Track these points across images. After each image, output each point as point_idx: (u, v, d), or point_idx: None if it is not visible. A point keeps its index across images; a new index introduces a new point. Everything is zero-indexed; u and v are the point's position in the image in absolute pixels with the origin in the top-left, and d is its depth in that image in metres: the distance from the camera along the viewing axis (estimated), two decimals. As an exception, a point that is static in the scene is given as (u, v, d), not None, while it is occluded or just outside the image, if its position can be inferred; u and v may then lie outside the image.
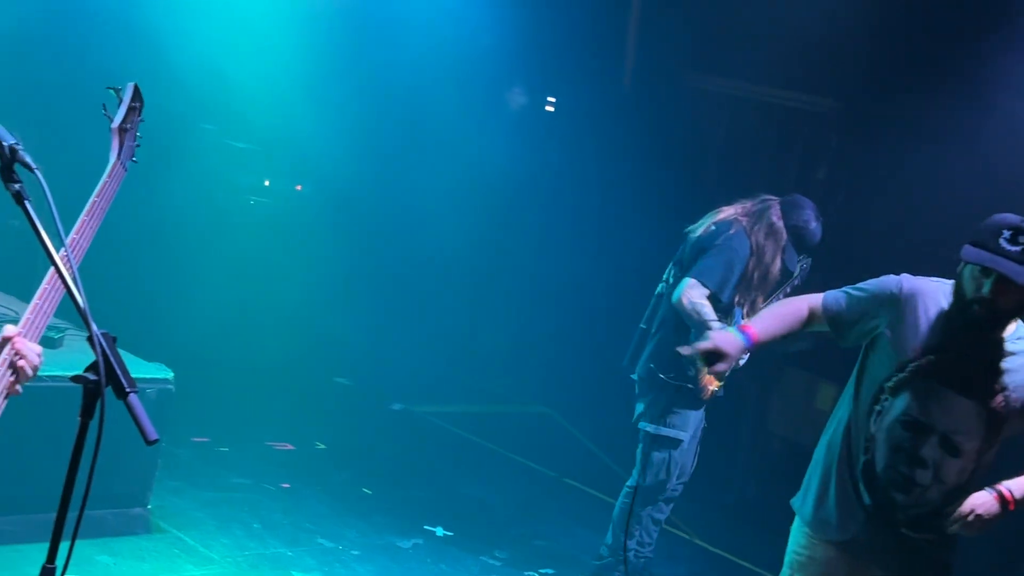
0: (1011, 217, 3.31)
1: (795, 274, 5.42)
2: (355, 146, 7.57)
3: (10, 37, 6.19)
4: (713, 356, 3.58)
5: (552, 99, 9.13)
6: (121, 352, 5.24)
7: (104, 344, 2.34)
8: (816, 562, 3.61)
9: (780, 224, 5.30)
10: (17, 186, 2.38)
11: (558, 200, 8.62)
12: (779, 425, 7.92)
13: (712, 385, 5.26)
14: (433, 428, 7.86)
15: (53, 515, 5.12)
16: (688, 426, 5.29)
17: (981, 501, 3.39)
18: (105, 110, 2.93)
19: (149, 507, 5.20)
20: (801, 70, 7.59)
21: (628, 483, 5.44)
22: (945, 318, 3.42)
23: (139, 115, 2.97)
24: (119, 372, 2.34)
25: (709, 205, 8.32)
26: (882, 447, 3.47)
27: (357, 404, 7.73)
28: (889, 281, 3.55)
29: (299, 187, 7.58)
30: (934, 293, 3.47)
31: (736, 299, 5.21)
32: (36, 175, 2.37)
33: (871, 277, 3.67)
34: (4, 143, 2.38)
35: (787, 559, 3.71)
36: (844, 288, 3.60)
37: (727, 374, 4.96)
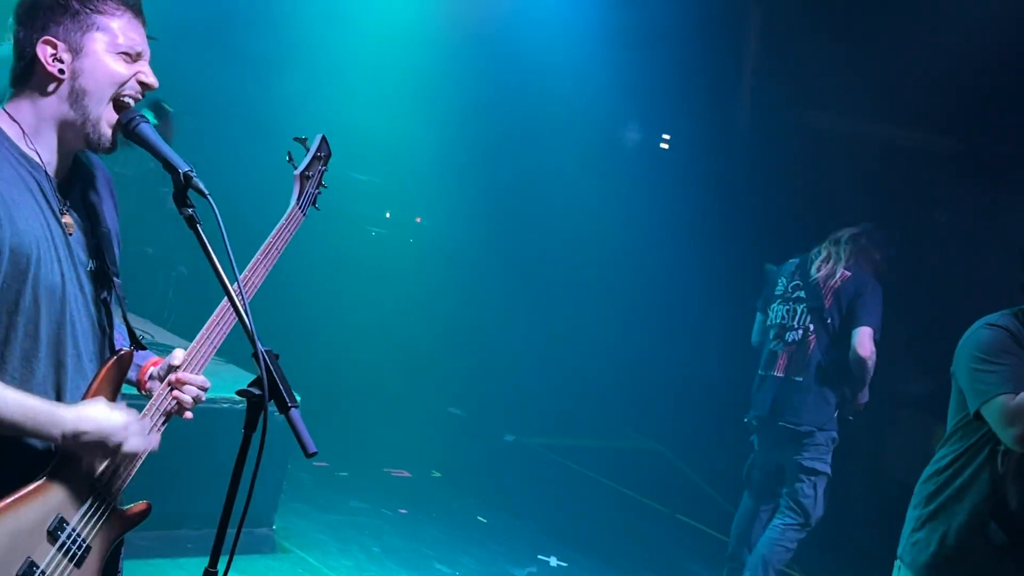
0: None
1: None
2: (473, 179, 7.71)
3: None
4: None
5: (667, 136, 9.17)
6: (249, 376, 5.45)
7: (268, 361, 2.45)
8: None
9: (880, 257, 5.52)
10: (190, 211, 2.49)
11: (676, 238, 8.63)
12: (895, 469, 7.82)
13: None
14: (545, 460, 7.91)
15: (184, 531, 5.30)
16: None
17: None
18: (290, 158, 3.05)
19: (274, 528, 5.36)
20: (921, 109, 7.53)
21: (783, 521, 5.46)
22: None
23: (324, 164, 3.08)
24: (282, 388, 2.45)
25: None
26: (1014, 481, 3.45)
27: (470, 434, 7.82)
28: (1002, 338, 3.46)
29: (419, 219, 7.73)
30: (1004, 319, 3.47)
31: None
32: (209, 201, 2.49)
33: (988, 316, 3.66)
34: (180, 169, 2.50)
35: None
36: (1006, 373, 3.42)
37: None
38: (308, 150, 3.08)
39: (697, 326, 8.25)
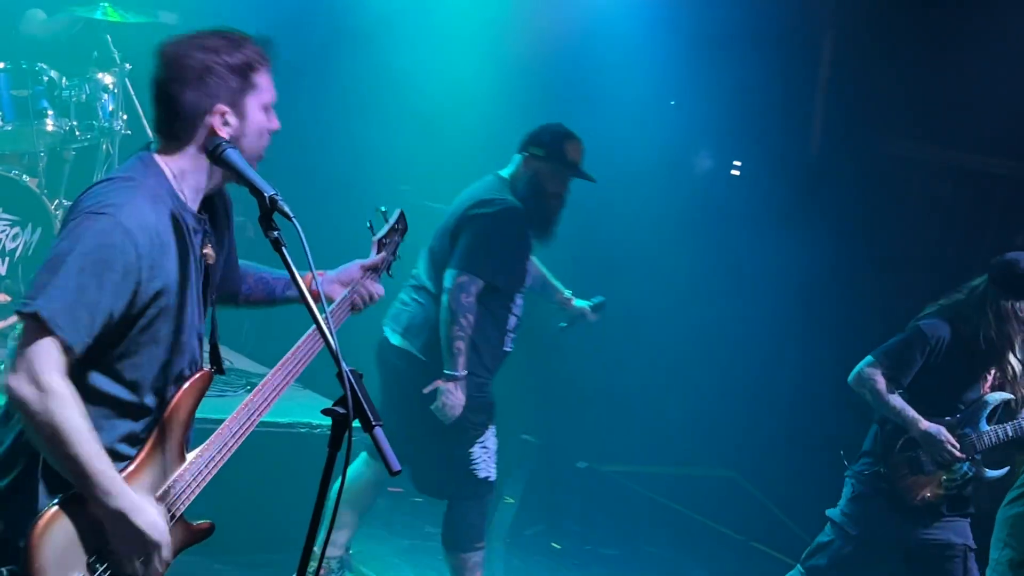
0: None
1: None
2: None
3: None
4: None
5: (738, 163, 9.14)
6: (315, 396, 5.48)
7: (352, 380, 2.50)
8: None
9: (992, 295, 4.77)
10: (276, 233, 2.57)
11: (749, 266, 8.57)
12: (984, 499, 7.68)
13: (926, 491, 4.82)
14: (618, 487, 7.88)
15: (260, 556, 5.35)
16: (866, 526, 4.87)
17: None
18: (371, 226, 3.36)
19: (351, 552, 5.40)
20: (996, 134, 7.45)
21: None
22: None
23: (400, 236, 3.43)
24: (366, 406, 2.50)
25: (893, 273, 8.27)
26: None
27: (543, 461, 7.83)
28: None
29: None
30: None
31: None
32: (293, 224, 2.56)
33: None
34: (265, 193, 2.57)
35: None
36: None
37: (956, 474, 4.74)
38: (387, 221, 3.27)
39: (771, 354, 8.19)
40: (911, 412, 4.64)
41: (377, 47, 7.39)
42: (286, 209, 2.58)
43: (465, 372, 4.76)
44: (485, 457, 4.95)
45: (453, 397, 4.71)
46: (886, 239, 8.29)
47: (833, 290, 7.76)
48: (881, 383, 4.66)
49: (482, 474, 4.93)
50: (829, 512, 4.90)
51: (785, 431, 7.50)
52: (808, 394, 7.53)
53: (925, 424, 4.62)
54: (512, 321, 5.03)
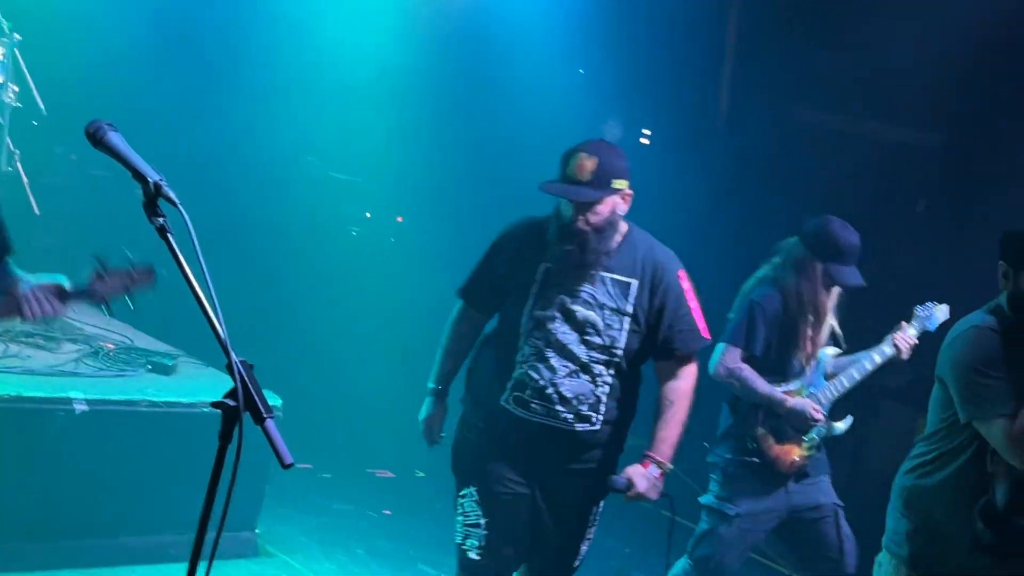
0: None
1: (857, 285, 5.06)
2: (454, 176, 7.69)
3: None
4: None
5: (647, 132, 9.16)
6: (221, 375, 5.35)
7: (243, 371, 2.44)
8: None
9: (804, 257, 4.97)
10: (161, 220, 2.49)
11: (658, 237, 8.59)
12: (877, 460, 7.84)
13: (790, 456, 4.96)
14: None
15: (166, 536, 5.29)
16: (744, 503, 4.94)
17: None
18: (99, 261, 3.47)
19: (258, 531, 5.34)
20: (904, 103, 7.54)
21: None
22: (1016, 337, 3.46)
23: (136, 285, 3.59)
24: (257, 399, 2.44)
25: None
26: (1002, 482, 3.46)
27: (454, 433, 7.80)
28: (994, 349, 3.48)
29: (400, 219, 7.71)
30: (989, 320, 3.52)
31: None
32: (179, 210, 2.48)
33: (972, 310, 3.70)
34: (150, 179, 2.49)
35: None
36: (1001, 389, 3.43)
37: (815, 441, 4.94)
38: (130, 265, 3.53)
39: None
40: (778, 394, 4.78)
41: (284, 19, 7.27)
42: (172, 195, 2.50)
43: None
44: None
45: None
46: (796, 208, 8.35)
47: (743, 259, 7.81)
48: (746, 370, 4.76)
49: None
50: (703, 499, 4.97)
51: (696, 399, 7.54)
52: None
53: (791, 402, 4.76)
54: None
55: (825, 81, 7.99)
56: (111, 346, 5.59)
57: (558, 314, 3.90)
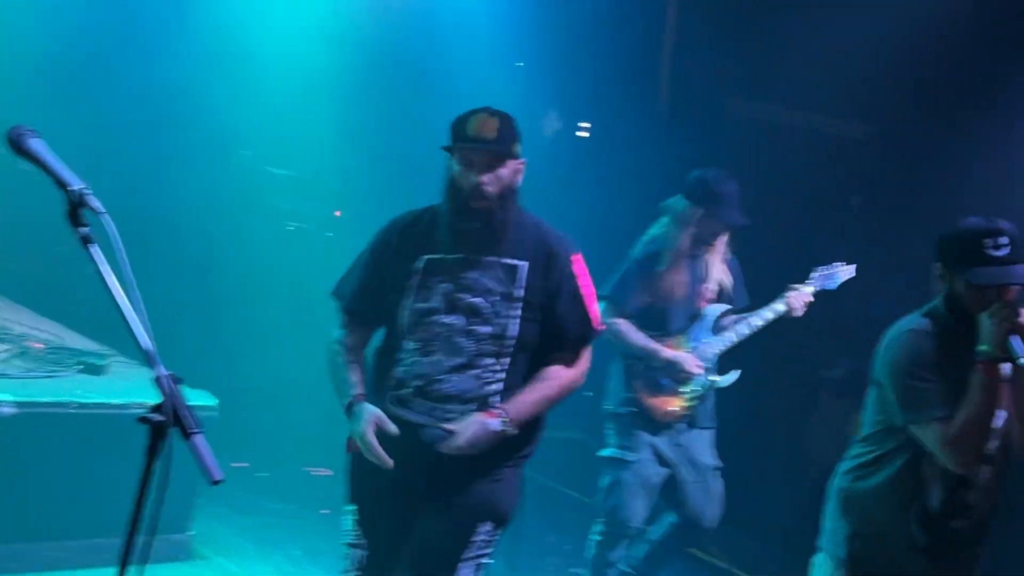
0: (977, 222, 3.45)
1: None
2: (393, 171, 7.62)
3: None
4: None
5: (586, 125, 9.15)
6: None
7: (169, 385, 2.38)
8: None
9: (686, 207, 5.20)
10: (84, 229, 2.43)
11: (590, 228, 8.60)
12: (814, 451, 7.91)
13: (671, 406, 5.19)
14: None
15: (97, 540, 5.21)
16: (640, 449, 5.17)
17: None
18: None
19: (191, 533, 5.27)
20: (840, 96, 7.57)
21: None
22: (952, 340, 3.45)
23: None
24: (184, 413, 2.39)
25: (747, 232, 8.41)
26: (937, 485, 3.49)
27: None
28: (925, 350, 3.48)
29: (338, 213, 7.63)
30: (925, 323, 3.52)
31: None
32: (103, 219, 2.42)
33: (909, 307, 3.69)
34: (73, 187, 2.43)
35: None
36: (936, 393, 3.44)
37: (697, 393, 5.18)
38: None
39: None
40: (652, 344, 5.09)
41: (218, 11, 7.16)
42: (96, 204, 2.44)
43: None
44: None
45: None
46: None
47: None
48: (621, 323, 5.09)
49: None
50: (603, 453, 5.24)
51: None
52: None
53: (666, 354, 5.08)
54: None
55: (762, 74, 8.02)
56: (40, 346, 5.48)
57: (441, 305, 3.55)
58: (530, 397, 3.58)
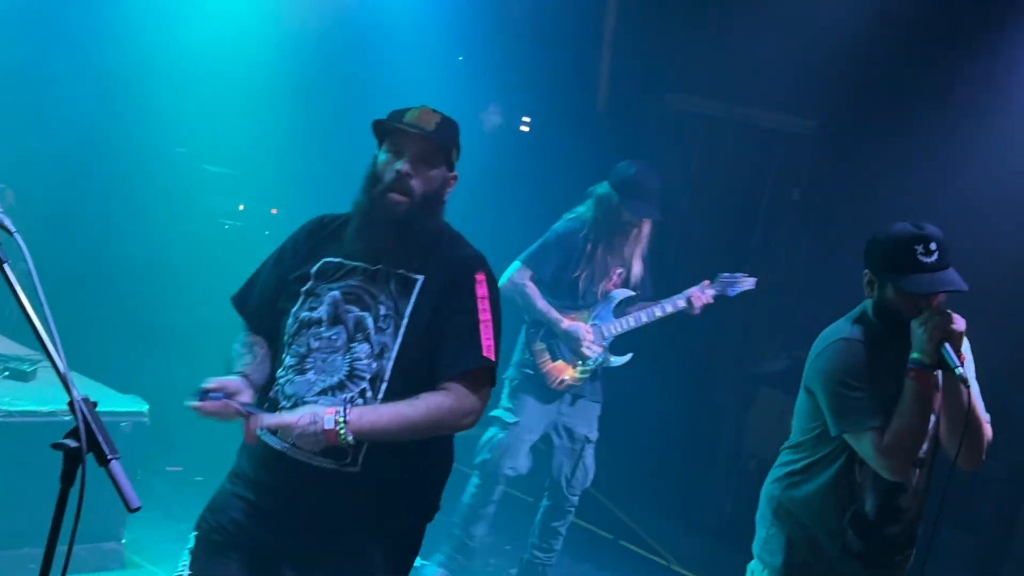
0: (906, 228, 3.43)
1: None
2: (329, 168, 7.52)
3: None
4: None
5: (527, 119, 9.11)
6: (96, 384, 5.17)
7: (85, 410, 2.31)
8: None
9: (605, 190, 5.56)
10: (-6, 253, 2.35)
11: (531, 222, 8.57)
12: (754, 444, 7.95)
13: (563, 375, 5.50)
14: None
15: (25, 550, 5.10)
16: (522, 412, 5.53)
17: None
18: None
19: (123, 541, 5.17)
20: (778, 90, 7.61)
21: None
22: (884, 347, 3.46)
23: None
24: (101, 438, 2.32)
25: (686, 225, 8.44)
26: (871, 491, 3.50)
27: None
28: (857, 359, 3.48)
29: (275, 211, 7.53)
30: (856, 331, 3.51)
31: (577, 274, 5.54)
32: (15, 239, 2.35)
33: (847, 301, 3.72)
34: (-19, 207, 2.35)
35: None
36: (869, 402, 3.44)
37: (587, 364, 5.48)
38: None
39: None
40: (554, 313, 5.38)
41: (152, 10, 7.03)
42: (7, 223, 2.38)
43: None
44: None
45: None
46: (673, 193, 8.41)
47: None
48: (530, 287, 5.38)
49: None
50: (492, 413, 5.52)
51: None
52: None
53: (566, 324, 5.39)
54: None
55: (701, 68, 8.04)
56: (-36, 352, 5.35)
57: (326, 316, 3.09)
58: (384, 409, 2.98)
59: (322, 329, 3.09)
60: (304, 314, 3.12)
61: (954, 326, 3.31)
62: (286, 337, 3.13)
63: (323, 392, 3.02)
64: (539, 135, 9.06)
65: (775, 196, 8.30)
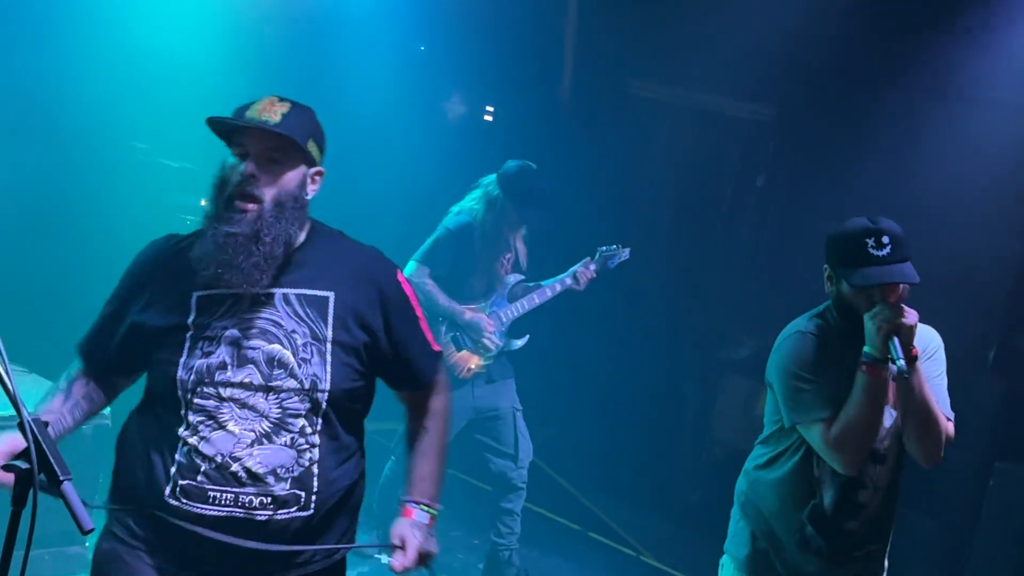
0: (860, 222, 3.40)
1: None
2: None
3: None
4: None
5: (491, 108, 9.08)
6: (46, 382, 5.01)
7: (36, 431, 2.28)
8: None
9: (494, 191, 5.70)
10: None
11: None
12: (720, 431, 7.98)
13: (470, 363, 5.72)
14: (375, 444, 7.75)
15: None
16: None
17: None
18: None
19: (88, 545, 5.12)
20: (739, 78, 7.61)
21: None
22: (839, 340, 3.48)
23: None
24: (52, 459, 2.28)
25: (646, 214, 8.43)
26: (829, 486, 3.51)
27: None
28: (811, 349, 3.50)
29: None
30: (812, 325, 3.53)
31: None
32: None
33: (812, 287, 3.75)
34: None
35: None
36: (820, 393, 3.47)
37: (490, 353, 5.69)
38: None
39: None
40: (456, 306, 5.61)
41: (111, 4, 6.94)
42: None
43: None
44: None
45: None
46: (634, 179, 8.42)
47: (580, 230, 7.82)
48: (430, 284, 5.56)
49: None
50: None
51: (538, 370, 7.55)
52: (559, 327, 7.59)
53: (468, 315, 5.63)
54: None
55: (662, 55, 8.04)
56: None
57: (228, 358, 2.72)
58: (432, 465, 3.01)
59: (229, 374, 2.71)
60: (198, 362, 2.72)
61: (904, 320, 3.31)
62: (178, 393, 2.71)
63: (255, 443, 2.70)
64: (502, 124, 9.03)
65: (739, 183, 8.31)
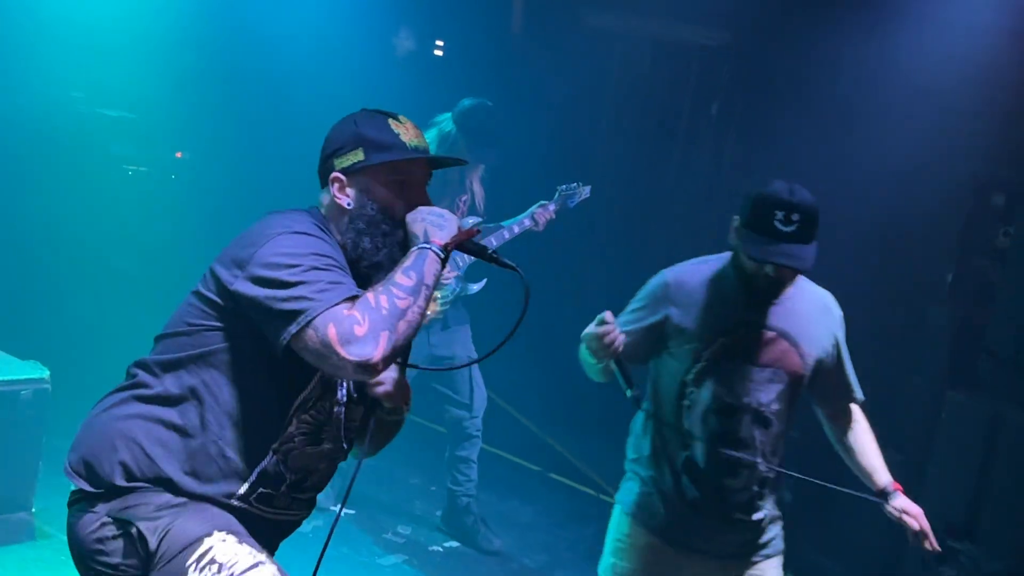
0: (779, 191, 3.33)
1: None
2: (237, 108, 7.31)
3: None
4: None
5: (440, 43, 8.89)
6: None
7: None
8: (638, 549, 3.65)
9: (450, 129, 5.72)
10: None
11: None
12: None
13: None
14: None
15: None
16: None
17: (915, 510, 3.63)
18: None
19: (33, 511, 5.04)
20: (693, 3, 7.48)
21: None
22: (726, 296, 3.48)
23: None
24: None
25: (603, 147, 8.31)
26: (700, 439, 3.48)
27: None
28: (654, 285, 3.59)
29: (180, 154, 7.28)
30: (703, 276, 3.53)
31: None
32: None
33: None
34: None
35: (609, 547, 3.74)
36: (620, 325, 3.51)
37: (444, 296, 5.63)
38: None
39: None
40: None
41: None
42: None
43: None
44: None
45: None
46: (587, 112, 8.31)
47: (533, 171, 7.71)
48: None
49: None
50: None
51: (497, 313, 7.47)
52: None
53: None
54: None
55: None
56: None
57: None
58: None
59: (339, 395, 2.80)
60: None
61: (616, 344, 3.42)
62: (298, 400, 2.71)
63: (328, 461, 2.84)
64: (453, 59, 8.86)
65: (694, 111, 8.22)
